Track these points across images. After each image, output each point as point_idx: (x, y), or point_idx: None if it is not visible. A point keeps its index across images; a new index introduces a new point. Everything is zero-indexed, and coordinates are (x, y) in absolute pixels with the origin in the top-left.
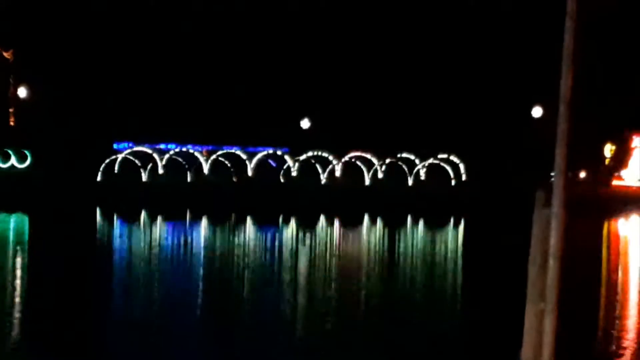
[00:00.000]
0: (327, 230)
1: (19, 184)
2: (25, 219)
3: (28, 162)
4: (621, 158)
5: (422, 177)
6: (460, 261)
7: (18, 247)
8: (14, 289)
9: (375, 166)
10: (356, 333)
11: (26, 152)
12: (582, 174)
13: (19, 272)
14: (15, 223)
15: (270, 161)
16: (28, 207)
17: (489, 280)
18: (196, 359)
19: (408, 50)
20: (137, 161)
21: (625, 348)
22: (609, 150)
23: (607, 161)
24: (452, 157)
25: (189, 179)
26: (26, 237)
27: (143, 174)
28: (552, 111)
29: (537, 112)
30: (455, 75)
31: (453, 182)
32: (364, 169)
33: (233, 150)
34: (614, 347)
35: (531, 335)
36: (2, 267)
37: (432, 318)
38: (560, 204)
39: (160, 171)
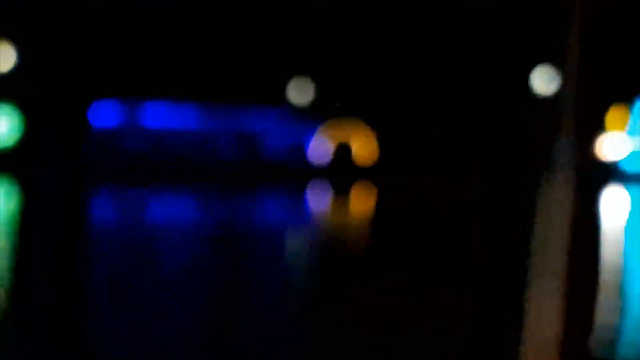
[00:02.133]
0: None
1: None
2: (15, 196)
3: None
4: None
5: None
6: (467, 243)
7: (6, 226)
8: None
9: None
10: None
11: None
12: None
13: (11, 257)
14: (2, 201)
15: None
16: (17, 181)
17: (492, 262)
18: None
19: (404, 34)
20: (125, 137)
21: (632, 328)
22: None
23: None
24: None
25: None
26: (16, 212)
27: (135, 154)
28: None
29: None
30: (452, 54)
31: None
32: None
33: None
34: (620, 327)
35: (536, 312)
36: None
37: (432, 303)
38: (566, 183)
39: (149, 147)
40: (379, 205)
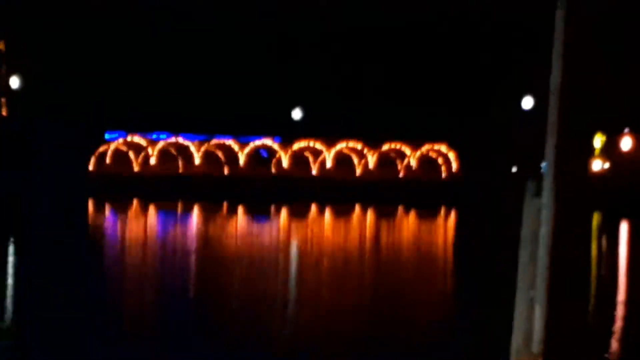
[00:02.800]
0: (318, 221)
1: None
2: (19, 208)
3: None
4: (610, 149)
5: (413, 168)
6: (451, 251)
7: (10, 237)
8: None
9: (366, 156)
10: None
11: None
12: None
13: (11, 266)
14: (10, 212)
15: (262, 151)
16: (22, 196)
17: (479, 269)
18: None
19: (399, 38)
20: (129, 151)
21: (615, 336)
22: (599, 140)
23: (596, 151)
24: (442, 148)
25: (180, 170)
26: (20, 226)
27: (135, 164)
28: (543, 102)
29: (527, 103)
30: (446, 65)
31: (444, 173)
32: (355, 159)
33: (224, 141)
34: (605, 335)
35: (521, 323)
36: None
37: (422, 308)
38: (551, 193)
39: (152, 161)
40: None
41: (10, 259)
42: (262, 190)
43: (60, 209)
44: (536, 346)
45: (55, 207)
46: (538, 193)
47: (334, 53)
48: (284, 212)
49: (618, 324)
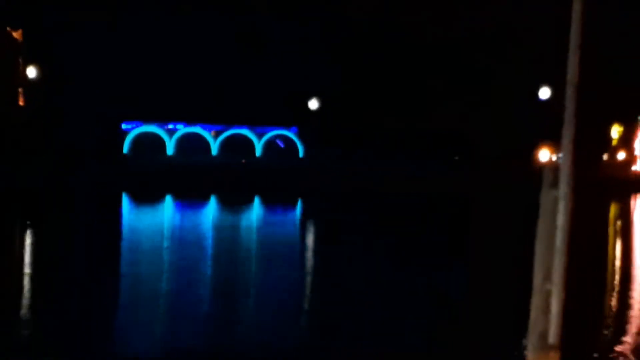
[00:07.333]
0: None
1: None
2: (36, 198)
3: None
4: (628, 140)
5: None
6: (466, 242)
7: (30, 224)
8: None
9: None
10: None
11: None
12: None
13: (33, 253)
14: (27, 201)
15: (278, 141)
16: (38, 186)
17: (495, 260)
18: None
19: (413, 29)
20: (146, 141)
21: (631, 327)
22: (616, 131)
23: (614, 142)
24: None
25: (197, 159)
26: (39, 214)
27: (152, 154)
28: (559, 92)
29: (544, 93)
30: (462, 57)
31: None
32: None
33: (241, 131)
34: (620, 327)
35: (538, 315)
36: (12, 247)
37: (442, 302)
38: (568, 184)
39: (169, 151)
40: None
41: (34, 246)
42: (279, 179)
43: (78, 197)
44: (552, 338)
45: (74, 195)
46: (555, 184)
47: (348, 44)
48: (300, 202)
49: (635, 314)
